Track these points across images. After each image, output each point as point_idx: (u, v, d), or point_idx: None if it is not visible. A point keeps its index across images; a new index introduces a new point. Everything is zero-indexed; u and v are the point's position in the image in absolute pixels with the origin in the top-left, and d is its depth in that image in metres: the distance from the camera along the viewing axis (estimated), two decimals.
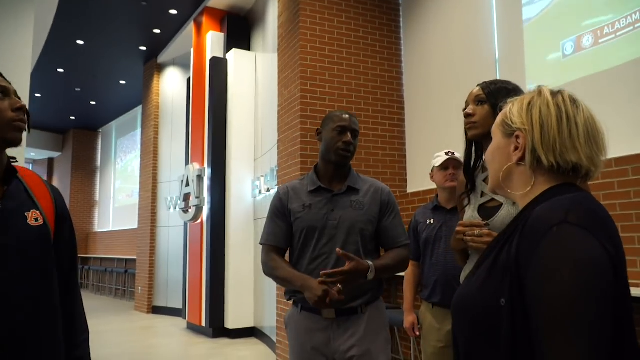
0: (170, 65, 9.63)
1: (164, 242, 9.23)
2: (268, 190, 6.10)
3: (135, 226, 10.44)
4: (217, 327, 6.70)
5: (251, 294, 6.79)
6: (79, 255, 14.53)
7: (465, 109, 1.63)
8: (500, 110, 1.09)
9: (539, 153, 0.95)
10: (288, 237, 2.03)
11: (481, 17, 4.16)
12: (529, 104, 0.99)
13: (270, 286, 5.79)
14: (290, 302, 2.04)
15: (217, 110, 7.11)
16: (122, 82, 10.91)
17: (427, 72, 4.77)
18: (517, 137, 0.98)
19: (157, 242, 9.36)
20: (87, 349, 1.46)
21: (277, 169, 5.23)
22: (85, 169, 14.92)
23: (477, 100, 1.59)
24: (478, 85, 1.63)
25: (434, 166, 2.78)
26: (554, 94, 0.99)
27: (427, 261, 2.69)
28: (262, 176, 6.35)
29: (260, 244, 2.05)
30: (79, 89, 11.39)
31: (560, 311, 0.77)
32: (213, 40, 7.41)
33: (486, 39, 4.09)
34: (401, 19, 5.18)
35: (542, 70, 3.52)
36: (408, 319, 2.85)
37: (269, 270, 1.99)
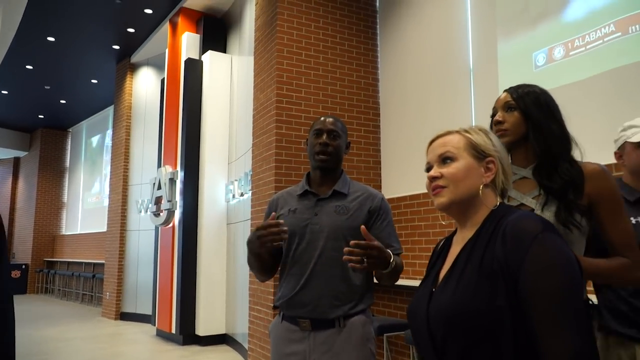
0: (144, 66, 9.47)
1: (133, 246, 9.03)
2: (242, 194, 6.02)
3: (104, 229, 10.19)
4: (187, 334, 6.58)
5: (223, 301, 6.69)
6: (45, 259, 14.12)
7: (493, 115, 1.56)
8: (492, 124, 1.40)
9: (503, 178, 1.12)
10: None
11: (456, 28, 4.20)
12: (487, 134, 1.15)
13: (243, 293, 5.71)
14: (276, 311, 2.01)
15: (191, 112, 7.01)
16: (94, 81, 10.67)
17: (403, 80, 4.79)
18: (490, 162, 1.11)
19: (126, 246, 9.14)
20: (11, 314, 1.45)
21: (251, 173, 5.17)
22: (53, 169, 14.50)
23: (507, 107, 1.51)
24: (505, 91, 1.55)
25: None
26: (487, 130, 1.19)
27: None
28: (236, 180, 6.27)
29: None
30: (48, 87, 11.08)
31: (559, 300, 0.91)
32: (188, 41, 7.31)
33: (461, 49, 4.12)
34: (378, 26, 5.19)
35: (514, 81, 3.55)
36: None
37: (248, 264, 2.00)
